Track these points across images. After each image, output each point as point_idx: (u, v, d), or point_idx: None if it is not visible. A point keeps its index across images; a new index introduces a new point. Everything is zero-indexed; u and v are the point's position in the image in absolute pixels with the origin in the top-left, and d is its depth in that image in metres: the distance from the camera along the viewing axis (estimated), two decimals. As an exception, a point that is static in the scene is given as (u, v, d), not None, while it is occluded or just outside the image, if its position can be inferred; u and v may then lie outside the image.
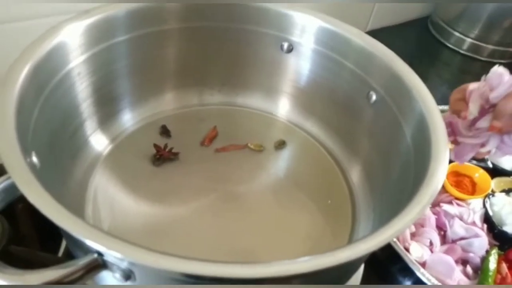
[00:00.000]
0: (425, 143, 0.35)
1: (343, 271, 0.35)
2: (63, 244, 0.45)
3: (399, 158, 0.41)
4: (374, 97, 0.46)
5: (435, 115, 0.37)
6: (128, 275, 0.28)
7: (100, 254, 0.27)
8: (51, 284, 0.27)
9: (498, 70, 0.38)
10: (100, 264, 0.28)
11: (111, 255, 0.26)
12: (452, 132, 0.40)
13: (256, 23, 0.50)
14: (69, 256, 0.42)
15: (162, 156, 0.49)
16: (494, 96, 0.37)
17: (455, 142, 0.40)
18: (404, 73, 0.41)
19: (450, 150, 0.37)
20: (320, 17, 0.47)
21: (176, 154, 0.50)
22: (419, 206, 0.29)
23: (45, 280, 0.26)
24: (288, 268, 0.26)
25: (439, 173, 0.32)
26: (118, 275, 0.28)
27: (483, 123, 0.38)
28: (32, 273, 0.26)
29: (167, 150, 0.50)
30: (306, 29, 0.49)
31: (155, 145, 0.50)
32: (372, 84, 0.45)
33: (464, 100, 0.39)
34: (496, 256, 0.52)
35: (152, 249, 0.25)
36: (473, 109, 0.37)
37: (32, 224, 0.48)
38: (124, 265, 0.27)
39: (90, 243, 0.26)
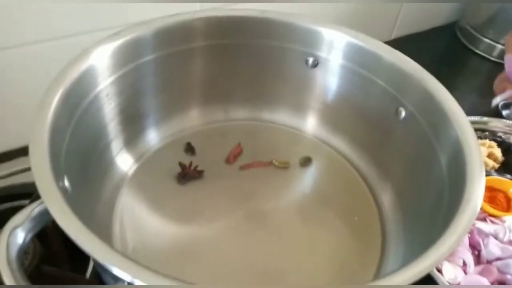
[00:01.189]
0: (460, 168, 0.34)
1: None
2: (91, 264, 0.45)
3: (432, 180, 0.40)
4: (403, 114, 0.45)
5: (470, 139, 0.36)
6: (158, 304, 0.28)
7: (129, 283, 0.28)
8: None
9: None
10: (130, 293, 0.28)
11: (139, 283, 0.26)
12: None
13: (282, 39, 0.49)
14: (97, 277, 0.43)
15: (187, 174, 0.49)
16: None
17: None
18: (438, 92, 0.40)
19: None
20: (348, 33, 0.47)
21: (201, 172, 0.50)
22: (455, 235, 0.28)
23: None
24: None
25: (475, 200, 0.31)
26: (148, 304, 0.28)
27: None
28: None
29: (192, 168, 0.50)
30: (334, 45, 0.48)
31: (180, 163, 0.50)
32: (402, 101, 0.44)
33: None
34: (535, 278, 0.49)
35: (179, 279, 0.25)
36: None
37: (62, 241, 0.49)
38: (155, 294, 0.27)
39: (119, 272, 0.26)
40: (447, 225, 0.29)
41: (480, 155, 0.34)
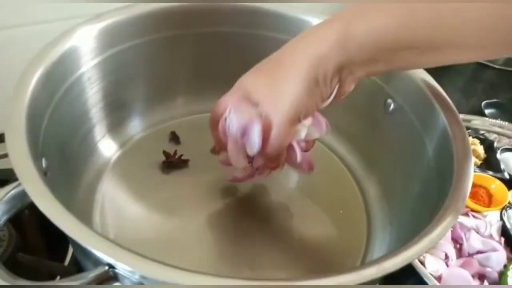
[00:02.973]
0: (448, 157, 0.34)
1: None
2: (70, 252, 0.44)
3: (419, 170, 0.40)
4: (392, 106, 0.45)
5: (458, 127, 0.36)
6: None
7: (111, 266, 0.27)
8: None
9: None
10: (111, 276, 0.27)
11: (122, 268, 0.25)
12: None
13: (272, 29, 0.49)
14: (76, 265, 0.41)
15: (172, 163, 0.48)
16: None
17: None
18: (426, 82, 0.40)
19: None
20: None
21: (185, 161, 0.49)
22: (444, 222, 0.28)
23: (54, 293, 0.25)
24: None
25: (464, 188, 0.31)
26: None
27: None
28: (42, 286, 0.25)
29: (176, 156, 0.49)
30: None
31: (164, 152, 0.49)
32: (390, 93, 0.44)
33: None
34: (515, 271, 0.50)
35: (163, 263, 0.25)
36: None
37: (38, 231, 0.47)
38: (135, 278, 0.27)
39: (101, 255, 0.25)
40: (437, 211, 0.29)
41: (468, 142, 0.35)
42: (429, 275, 0.47)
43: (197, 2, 0.46)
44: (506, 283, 0.49)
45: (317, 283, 0.24)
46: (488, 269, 0.50)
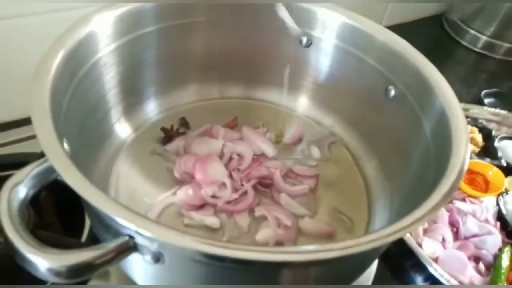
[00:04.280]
0: (446, 137, 0.36)
1: (361, 260, 0.36)
2: (86, 231, 0.46)
3: (417, 152, 0.42)
4: (393, 92, 0.46)
5: (456, 109, 0.38)
6: (157, 257, 0.29)
7: (131, 237, 0.28)
8: (84, 265, 0.28)
9: None
10: (131, 246, 0.29)
11: (144, 235, 0.27)
12: None
13: (278, 19, 0.50)
14: (93, 241, 0.43)
15: (172, 138, 0.51)
16: None
17: None
18: (426, 68, 0.42)
19: None
20: (343, 13, 0.48)
21: (183, 133, 0.52)
22: (438, 197, 0.30)
23: (79, 260, 0.27)
24: (309, 255, 0.26)
25: (461, 165, 0.33)
26: (148, 257, 0.29)
27: None
28: (68, 253, 0.27)
29: (174, 130, 0.52)
30: (328, 25, 0.49)
31: (163, 128, 0.51)
32: (392, 79, 0.46)
33: None
34: (509, 254, 0.52)
35: (184, 231, 0.26)
36: None
37: (54, 213, 0.49)
38: (154, 247, 0.28)
39: (123, 222, 0.26)
40: (432, 191, 0.31)
41: (466, 124, 0.36)
42: (426, 256, 0.49)
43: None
44: (500, 265, 0.51)
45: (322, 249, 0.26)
46: (484, 251, 0.53)
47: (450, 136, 0.35)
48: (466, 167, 0.33)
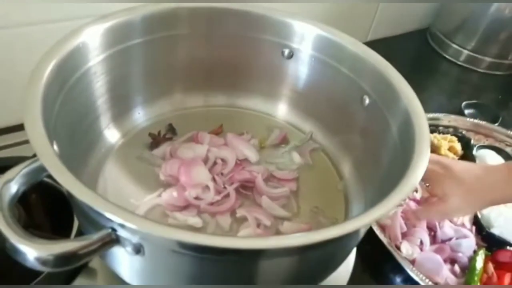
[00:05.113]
0: (410, 139, 0.39)
1: (342, 244, 0.39)
2: (73, 232, 0.48)
3: (387, 153, 0.45)
4: (367, 101, 0.49)
5: (419, 114, 0.41)
6: (138, 249, 0.31)
7: (113, 229, 0.31)
8: (69, 254, 0.30)
9: None
10: (113, 239, 0.31)
11: (126, 228, 0.29)
12: None
13: (259, 31, 0.54)
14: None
15: (159, 143, 0.54)
16: None
17: None
18: (394, 78, 0.45)
19: None
20: (318, 26, 0.51)
21: (169, 139, 0.54)
22: (400, 195, 0.33)
23: (64, 250, 0.29)
24: (286, 241, 0.29)
25: (420, 166, 0.35)
26: (129, 249, 0.31)
27: None
28: (54, 243, 0.30)
29: (161, 136, 0.54)
30: (305, 37, 0.53)
31: (150, 134, 0.54)
32: (365, 88, 0.49)
33: None
34: (483, 256, 0.54)
35: (162, 223, 0.29)
36: None
37: (44, 214, 0.52)
38: (135, 239, 0.31)
39: (109, 215, 0.29)
40: (394, 188, 0.34)
41: (427, 128, 0.39)
42: (404, 258, 0.51)
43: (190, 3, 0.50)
44: (474, 266, 0.53)
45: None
46: (459, 254, 0.55)
47: (413, 137, 0.38)
48: (424, 170, 0.35)
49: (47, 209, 0.52)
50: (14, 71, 0.55)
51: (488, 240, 0.57)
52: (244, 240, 0.28)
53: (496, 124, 0.77)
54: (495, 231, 0.57)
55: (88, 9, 0.52)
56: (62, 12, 0.53)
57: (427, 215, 0.51)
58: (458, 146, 0.70)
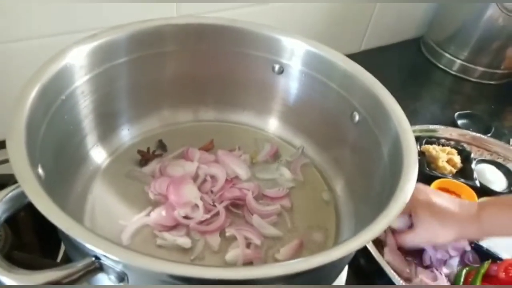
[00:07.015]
0: (399, 160, 0.39)
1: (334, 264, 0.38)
2: (61, 251, 0.47)
3: (378, 172, 0.44)
4: (357, 118, 0.49)
5: (408, 135, 0.41)
6: (122, 277, 0.31)
7: (97, 257, 0.30)
8: (52, 283, 0.29)
9: None
10: (97, 267, 0.31)
11: (108, 258, 0.29)
12: None
13: (249, 47, 0.53)
14: (68, 261, 0.44)
15: (148, 160, 0.53)
16: None
17: None
18: (383, 95, 0.45)
19: None
20: (307, 42, 0.51)
21: (159, 155, 0.54)
22: (387, 218, 0.32)
23: (47, 280, 0.29)
24: (272, 270, 0.29)
25: (407, 189, 0.35)
26: (113, 277, 0.31)
27: None
28: (36, 273, 0.29)
29: (151, 153, 0.54)
30: (295, 52, 0.52)
31: (139, 151, 0.53)
32: (355, 104, 0.49)
33: None
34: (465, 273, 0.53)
35: (145, 253, 0.28)
36: None
37: (32, 232, 0.51)
38: (119, 268, 0.30)
39: (90, 246, 0.28)
40: (382, 210, 0.34)
41: (415, 149, 0.39)
42: (395, 275, 0.51)
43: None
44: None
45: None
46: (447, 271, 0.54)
47: (401, 158, 0.38)
48: (410, 193, 0.35)
49: (36, 227, 0.51)
50: (9, 85, 0.54)
51: (478, 253, 0.56)
52: (225, 271, 0.28)
53: (489, 134, 0.77)
54: (484, 243, 0.57)
55: (87, 22, 0.52)
56: (59, 27, 0.53)
57: (402, 241, 0.52)
58: (457, 159, 0.70)
